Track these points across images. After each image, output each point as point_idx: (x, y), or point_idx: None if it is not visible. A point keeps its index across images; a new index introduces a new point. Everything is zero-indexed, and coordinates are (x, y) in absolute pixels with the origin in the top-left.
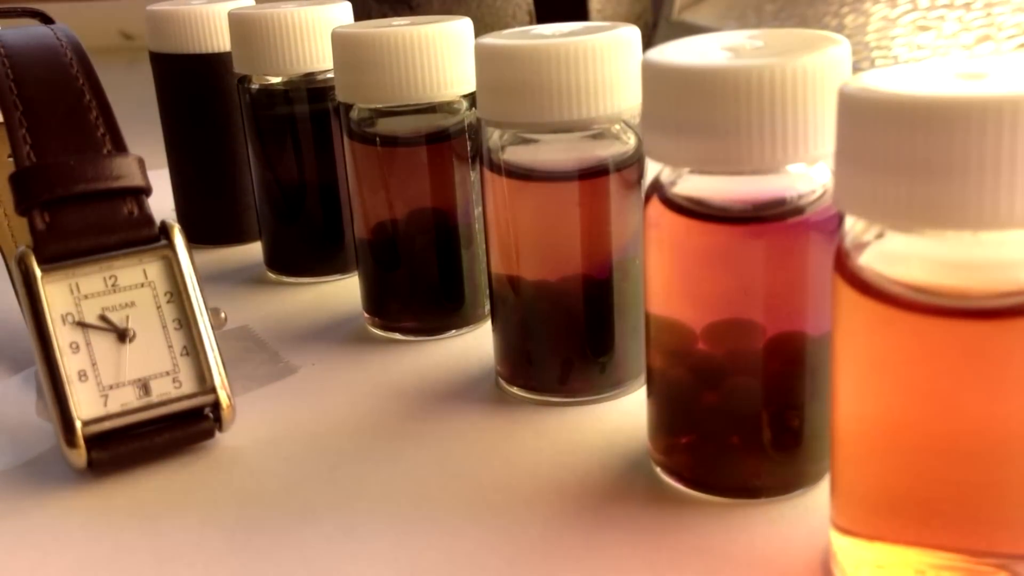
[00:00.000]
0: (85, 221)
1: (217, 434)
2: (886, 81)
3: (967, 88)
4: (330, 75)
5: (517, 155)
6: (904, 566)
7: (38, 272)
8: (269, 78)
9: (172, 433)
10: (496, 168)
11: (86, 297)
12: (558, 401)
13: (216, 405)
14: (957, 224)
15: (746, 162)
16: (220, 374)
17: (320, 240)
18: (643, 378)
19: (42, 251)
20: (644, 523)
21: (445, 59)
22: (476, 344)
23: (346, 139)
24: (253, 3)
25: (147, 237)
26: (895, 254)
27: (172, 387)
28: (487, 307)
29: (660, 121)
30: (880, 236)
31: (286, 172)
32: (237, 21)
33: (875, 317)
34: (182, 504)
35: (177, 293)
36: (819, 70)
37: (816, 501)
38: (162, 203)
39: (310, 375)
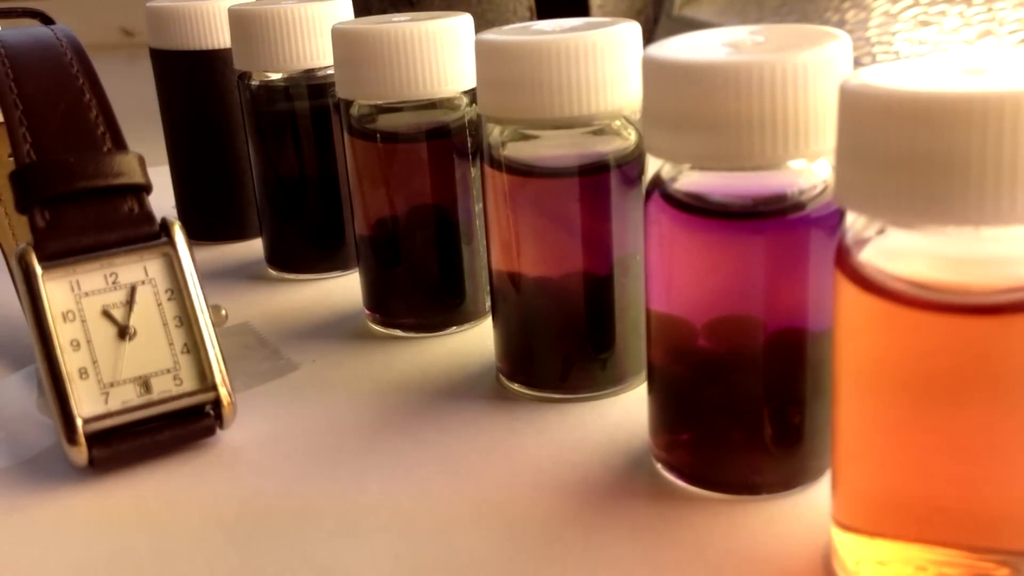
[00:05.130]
0: (85, 218)
1: (218, 431)
2: (887, 77)
3: (968, 84)
4: (330, 71)
5: (518, 151)
6: (905, 562)
7: (39, 269)
8: (269, 74)
9: (173, 431)
10: (496, 164)
11: (87, 294)
12: (559, 398)
13: (217, 402)
14: (958, 220)
15: (747, 158)
16: (221, 371)
17: (321, 237)
18: (644, 375)
19: (42, 248)
20: (645, 519)
21: (445, 55)
22: (477, 341)
23: (346, 135)
24: None
25: (147, 234)
26: (896, 250)
27: (173, 384)
28: (488, 303)
29: (661, 117)
30: (881, 232)
31: (286, 169)
32: (237, 17)
33: (876, 313)
34: (183, 501)
35: (178, 290)
36: (820, 66)
37: (817, 497)
38: (163, 200)
39: (311, 372)
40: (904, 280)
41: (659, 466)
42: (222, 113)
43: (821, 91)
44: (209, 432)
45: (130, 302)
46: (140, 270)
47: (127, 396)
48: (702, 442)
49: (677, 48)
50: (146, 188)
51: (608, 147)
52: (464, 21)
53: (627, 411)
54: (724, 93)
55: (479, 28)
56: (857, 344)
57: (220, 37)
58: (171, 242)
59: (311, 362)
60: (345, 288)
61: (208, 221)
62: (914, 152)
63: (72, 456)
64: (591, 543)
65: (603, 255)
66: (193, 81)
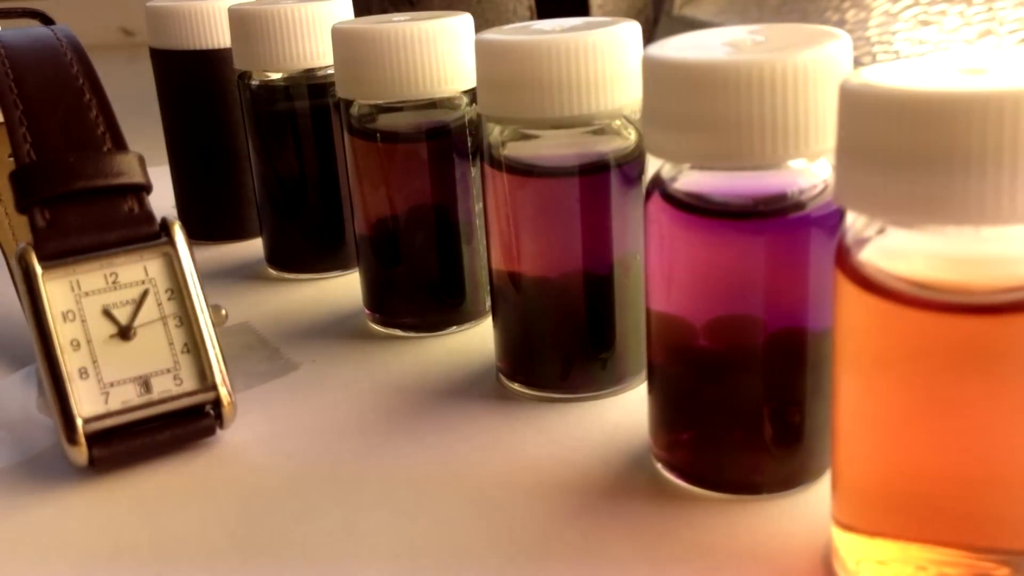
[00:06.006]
0: (85, 218)
1: (218, 431)
2: (887, 76)
3: (968, 83)
4: (330, 71)
5: (518, 151)
6: (906, 562)
7: (39, 269)
8: (269, 74)
9: (173, 430)
10: (497, 164)
11: (87, 294)
12: (559, 397)
13: (217, 402)
14: (958, 219)
15: (747, 157)
16: (221, 371)
17: (321, 236)
18: (644, 374)
19: (42, 248)
20: (645, 519)
21: (445, 55)
22: (477, 340)
23: (346, 135)
24: None
25: (148, 234)
26: (896, 250)
27: (173, 384)
28: (488, 303)
29: (661, 116)
30: (881, 232)
31: (287, 168)
32: (237, 17)
33: (876, 313)
34: (183, 501)
35: (178, 290)
36: (820, 65)
37: (817, 497)
38: (163, 200)
39: (311, 372)
40: (904, 280)
41: (659, 466)
42: (222, 113)
43: (821, 91)
44: (209, 432)
45: (139, 304)
46: (140, 270)
47: (127, 396)
48: (702, 442)
49: (677, 48)
50: (146, 188)
51: (608, 147)
52: (464, 21)
53: (627, 411)
54: (724, 93)
55: (479, 28)
56: (857, 344)
57: (220, 37)
58: (171, 242)
59: (311, 362)
60: (345, 288)
61: (208, 221)
62: (914, 152)
63: (72, 456)
64: (591, 543)
65: (603, 255)
66: (193, 81)
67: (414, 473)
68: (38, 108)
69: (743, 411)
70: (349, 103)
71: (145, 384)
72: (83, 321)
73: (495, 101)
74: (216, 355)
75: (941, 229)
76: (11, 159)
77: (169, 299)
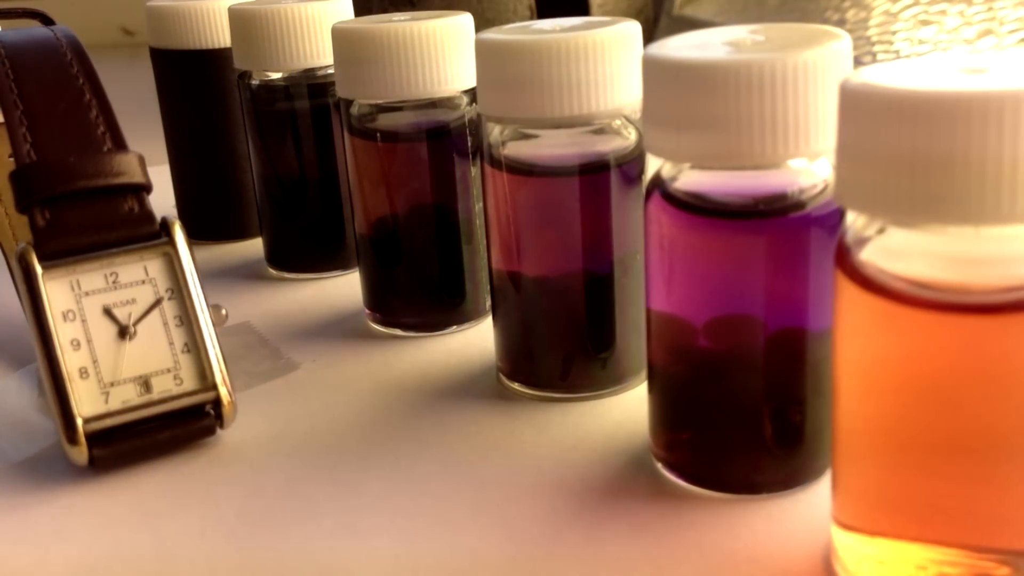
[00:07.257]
0: (85, 218)
1: (218, 431)
2: (887, 76)
3: (969, 83)
4: (330, 71)
5: (518, 150)
6: (906, 562)
7: (39, 269)
8: (269, 74)
9: (173, 430)
10: (497, 163)
11: (87, 294)
12: (559, 397)
13: (217, 402)
14: (959, 219)
15: (747, 157)
16: (221, 371)
17: (321, 236)
18: (644, 374)
19: (43, 248)
20: (645, 519)
21: (445, 54)
22: (477, 340)
23: (346, 135)
24: None
25: (148, 234)
26: (896, 249)
27: (173, 384)
28: (488, 303)
29: (661, 116)
30: (881, 231)
31: (287, 168)
32: (237, 17)
33: (876, 313)
34: (183, 501)
35: (178, 290)
36: (820, 65)
37: (817, 497)
38: (163, 200)
39: (311, 372)
40: (904, 279)
41: (659, 465)
42: (222, 113)
43: (821, 90)
44: (209, 432)
45: (148, 310)
46: (140, 270)
47: (127, 396)
48: (702, 441)
49: (677, 47)
50: (146, 188)
51: (608, 146)
52: (464, 20)
53: (627, 410)
54: (724, 92)
55: (479, 27)
56: (857, 344)
57: (220, 37)
58: (171, 242)
59: (311, 362)
60: (345, 287)
61: (208, 220)
62: (914, 152)
63: (72, 456)
64: (591, 543)
65: (603, 254)
66: (193, 81)
67: (414, 473)
68: (38, 108)
69: (743, 411)
70: (349, 103)
71: (145, 384)
72: (83, 321)
73: (495, 101)
74: (216, 355)
75: (941, 229)
76: (11, 159)
77: (169, 299)
